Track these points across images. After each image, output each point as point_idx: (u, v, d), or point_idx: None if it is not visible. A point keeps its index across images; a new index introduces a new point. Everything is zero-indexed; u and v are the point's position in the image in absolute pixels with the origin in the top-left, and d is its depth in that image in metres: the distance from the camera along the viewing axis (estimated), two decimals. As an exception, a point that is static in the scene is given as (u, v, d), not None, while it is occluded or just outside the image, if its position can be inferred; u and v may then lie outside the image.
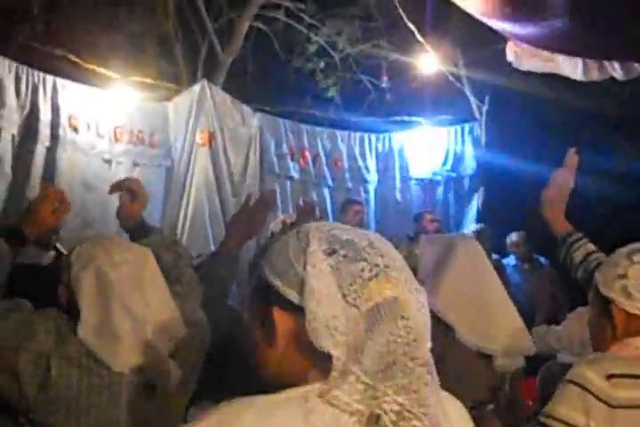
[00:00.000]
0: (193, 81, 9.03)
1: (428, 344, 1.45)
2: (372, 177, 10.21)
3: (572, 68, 5.00)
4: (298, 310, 1.39)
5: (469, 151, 10.09)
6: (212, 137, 8.32)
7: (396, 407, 1.37)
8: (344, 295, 1.38)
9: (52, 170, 7.05)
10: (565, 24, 3.90)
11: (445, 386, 1.50)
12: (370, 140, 10.30)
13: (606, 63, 4.95)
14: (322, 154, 9.69)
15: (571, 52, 4.87)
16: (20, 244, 2.81)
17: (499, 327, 2.83)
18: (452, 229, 9.41)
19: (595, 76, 5.06)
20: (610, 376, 2.27)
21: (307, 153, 9.51)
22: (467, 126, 10.16)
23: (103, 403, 2.45)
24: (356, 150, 10.10)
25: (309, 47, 10.68)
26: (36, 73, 7.05)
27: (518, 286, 7.65)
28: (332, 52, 10.70)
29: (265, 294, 1.46)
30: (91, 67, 8.27)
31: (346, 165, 9.92)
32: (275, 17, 10.28)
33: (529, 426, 2.60)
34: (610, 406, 2.24)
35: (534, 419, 2.43)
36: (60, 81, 7.24)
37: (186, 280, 2.86)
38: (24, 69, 6.95)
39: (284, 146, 9.30)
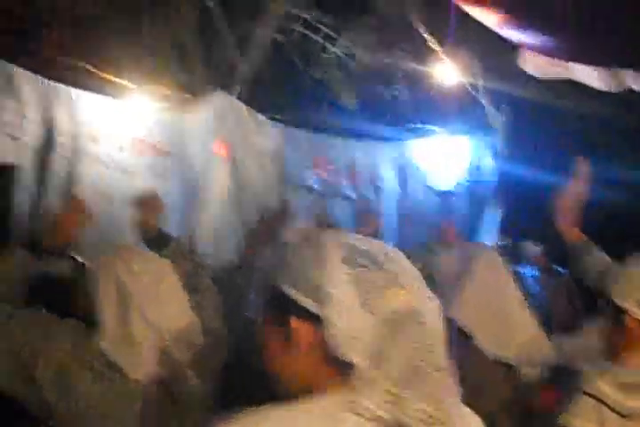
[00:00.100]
0: (211, 91, 9.04)
1: (446, 352, 1.46)
2: (390, 187, 10.18)
3: (587, 76, 4.98)
4: (316, 319, 1.40)
5: (488, 161, 10.06)
6: (229, 147, 8.31)
7: (420, 415, 1.38)
8: (363, 304, 1.39)
9: (71, 181, 7.07)
10: (577, 33, 3.90)
11: (463, 394, 1.50)
12: (387, 149, 10.28)
13: (623, 73, 4.92)
14: (339, 164, 9.68)
15: (584, 60, 4.85)
16: (39, 254, 2.83)
17: (518, 337, 2.83)
18: (470, 240, 9.39)
19: (612, 86, 5.03)
20: (623, 386, 2.26)
21: (325, 163, 9.50)
22: (484, 136, 10.14)
23: (121, 411, 2.45)
24: (374, 160, 10.08)
25: (326, 57, 10.70)
26: (55, 84, 7.07)
27: (537, 296, 7.62)
28: (348, 62, 10.71)
29: (281, 302, 1.47)
30: (108, 77, 8.29)
31: (363, 175, 9.91)
32: (292, 28, 10.29)
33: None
34: (622, 416, 2.23)
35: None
36: (79, 92, 7.25)
37: (203, 289, 2.87)
38: (43, 81, 6.97)
39: (303, 156, 9.30)
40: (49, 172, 6.95)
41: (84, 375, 2.40)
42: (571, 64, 4.95)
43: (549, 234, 3.34)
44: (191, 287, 2.77)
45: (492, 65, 9.32)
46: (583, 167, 3.20)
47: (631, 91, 5.14)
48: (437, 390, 1.39)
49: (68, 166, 7.09)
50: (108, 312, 2.43)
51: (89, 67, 8.15)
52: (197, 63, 9.85)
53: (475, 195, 10.20)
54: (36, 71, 6.96)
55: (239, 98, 9.01)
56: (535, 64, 5.10)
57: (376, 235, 6.93)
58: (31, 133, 6.83)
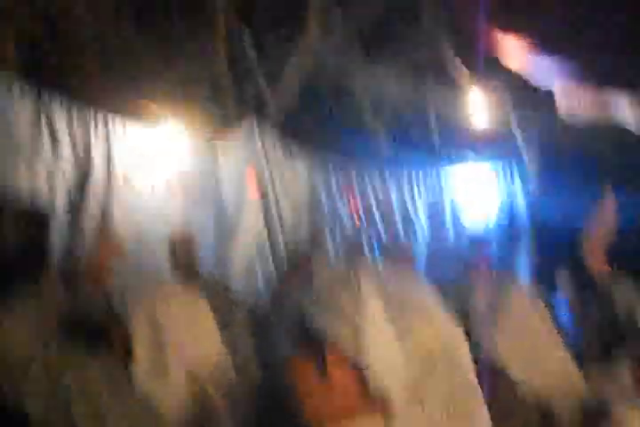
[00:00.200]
0: (242, 122, 9.08)
1: (478, 388, 1.45)
2: (422, 220, 10.18)
3: (625, 113, 4.95)
4: (354, 356, 1.39)
5: (520, 193, 10.05)
6: (261, 178, 8.33)
7: None
8: (401, 341, 1.38)
9: (106, 217, 7.10)
10: (609, 56, 3.90)
11: None
12: (418, 177, 10.28)
13: None
14: (371, 194, 9.69)
15: (618, 83, 4.82)
16: (76, 293, 2.86)
17: (555, 373, 2.81)
18: (503, 273, 9.34)
19: None
20: None
21: (356, 193, 9.52)
22: (517, 168, 10.13)
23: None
24: (406, 190, 10.08)
25: (356, 86, 10.73)
26: (88, 117, 7.12)
27: (569, 326, 7.56)
28: (380, 93, 10.74)
29: (316, 340, 1.46)
30: (141, 110, 8.36)
31: (395, 205, 9.91)
32: (324, 60, 10.35)
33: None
34: None
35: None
36: (112, 127, 7.32)
37: (236, 326, 2.88)
38: (76, 114, 7.02)
39: (334, 187, 9.31)
40: (83, 213, 7.00)
41: (118, 411, 2.41)
42: (610, 101, 4.91)
43: (581, 264, 3.33)
44: (224, 324, 2.78)
45: (524, 104, 9.32)
46: (609, 197, 3.18)
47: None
48: (472, 425, 1.39)
49: (101, 201, 7.13)
50: (142, 347, 2.44)
51: (124, 105, 8.22)
52: (228, 94, 9.92)
53: (507, 232, 10.17)
54: (69, 104, 7.02)
55: (270, 129, 9.05)
56: (570, 105, 5.08)
57: (408, 268, 6.92)
58: (66, 174, 6.87)
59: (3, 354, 2.67)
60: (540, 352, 2.83)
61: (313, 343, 1.46)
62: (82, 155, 7.00)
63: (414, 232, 10.07)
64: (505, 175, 10.21)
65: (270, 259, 8.19)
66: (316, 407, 1.48)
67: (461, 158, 10.68)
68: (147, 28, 9.12)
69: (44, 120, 6.68)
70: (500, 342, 2.80)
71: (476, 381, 1.46)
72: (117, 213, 7.19)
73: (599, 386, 3.67)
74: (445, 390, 1.39)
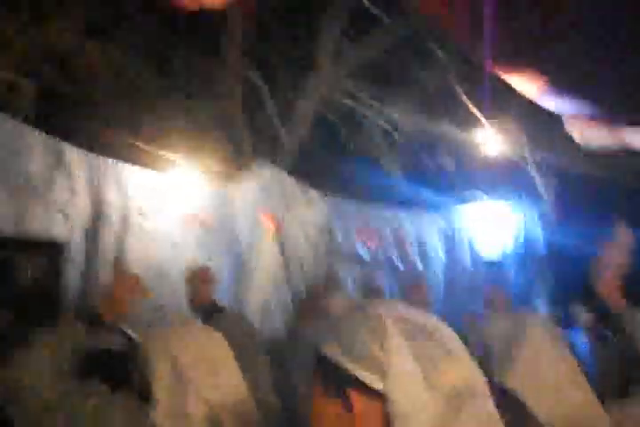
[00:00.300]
0: (255, 163, 9.12)
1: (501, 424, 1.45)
2: (440, 256, 10.17)
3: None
4: (378, 394, 1.38)
5: (538, 230, 10.03)
6: (278, 220, 8.36)
7: None
8: (426, 378, 1.37)
9: (122, 256, 7.14)
10: (624, 97, 3.89)
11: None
12: (435, 218, 10.29)
13: None
14: (389, 235, 9.68)
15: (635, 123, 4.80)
16: (94, 328, 2.87)
17: (579, 409, 2.77)
18: (520, 308, 9.28)
19: None
20: None
21: (372, 233, 9.52)
22: (532, 203, 10.12)
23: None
24: (421, 228, 10.08)
25: (372, 130, 10.80)
26: (103, 160, 7.19)
27: (588, 363, 7.50)
28: (393, 133, 10.80)
29: (337, 375, 1.44)
30: (156, 152, 8.42)
31: (412, 246, 9.90)
32: (337, 100, 10.42)
33: None
34: None
35: None
36: (127, 166, 7.37)
37: (256, 361, 2.87)
38: (93, 157, 7.09)
39: (352, 229, 9.31)
40: (99, 246, 7.04)
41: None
42: (625, 131, 4.89)
43: (597, 300, 3.31)
44: (241, 356, 2.77)
45: (538, 134, 9.33)
46: (621, 231, 3.17)
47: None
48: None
49: (117, 241, 7.17)
50: (161, 386, 2.43)
51: (138, 142, 8.28)
52: (242, 135, 9.98)
53: (524, 263, 10.14)
54: (84, 147, 7.09)
55: (284, 169, 9.09)
56: (585, 134, 5.06)
57: (425, 305, 6.91)
58: (81, 209, 6.92)
59: (21, 396, 2.67)
60: (560, 389, 2.81)
61: (335, 379, 1.45)
62: (96, 191, 7.05)
63: (431, 270, 10.04)
64: (521, 212, 10.20)
65: (288, 299, 8.19)
66: None
67: (476, 197, 10.68)
68: (161, 72, 9.22)
69: (60, 163, 6.76)
70: (519, 378, 2.78)
71: (498, 416, 1.46)
72: (133, 247, 7.24)
73: (617, 423, 3.63)
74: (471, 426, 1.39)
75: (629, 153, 5.43)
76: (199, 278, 5.49)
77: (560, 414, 2.73)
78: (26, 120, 6.50)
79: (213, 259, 7.72)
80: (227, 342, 2.66)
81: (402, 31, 9.52)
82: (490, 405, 1.44)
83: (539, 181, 10.05)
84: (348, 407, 1.41)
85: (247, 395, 2.58)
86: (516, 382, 2.72)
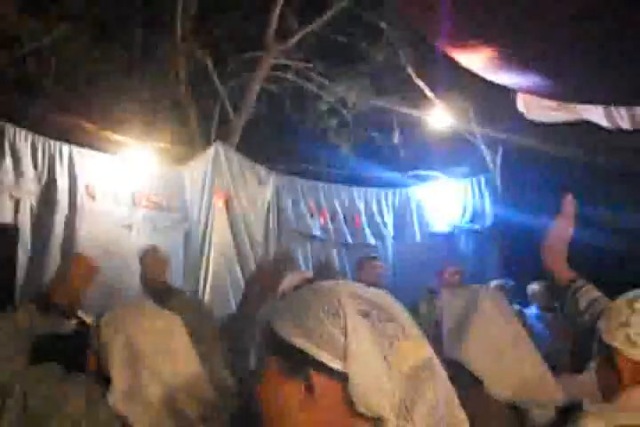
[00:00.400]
0: (207, 144, 9.08)
1: (457, 398, 1.46)
2: (391, 232, 10.21)
3: (595, 115, 4.95)
4: (338, 374, 1.37)
5: (487, 203, 10.10)
6: (228, 199, 8.34)
7: None
8: (385, 357, 1.37)
9: (71, 238, 7.08)
10: (574, 73, 3.91)
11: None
12: (386, 195, 10.31)
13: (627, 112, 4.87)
14: (340, 211, 9.71)
15: (582, 100, 4.83)
16: (46, 312, 2.85)
17: (528, 379, 2.80)
18: (472, 282, 9.31)
19: (623, 123, 4.97)
20: None
21: (325, 211, 9.54)
22: (482, 178, 10.18)
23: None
24: (374, 206, 10.11)
25: (320, 106, 10.80)
26: (51, 142, 7.10)
27: (541, 336, 7.58)
28: (342, 110, 10.82)
29: (295, 357, 1.43)
30: (105, 134, 8.36)
31: (364, 222, 9.94)
32: (285, 77, 10.41)
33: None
34: None
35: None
36: (76, 149, 7.29)
37: (209, 340, 2.86)
38: (40, 139, 7.01)
39: (302, 205, 9.32)
40: (49, 229, 6.98)
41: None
42: (575, 106, 4.91)
43: (546, 273, 3.33)
44: (197, 339, 2.75)
45: (487, 109, 9.37)
46: (568, 206, 3.19)
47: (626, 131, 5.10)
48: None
49: (67, 223, 7.12)
50: (118, 369, 2.42)
51: (87, 125, 8.22)
52: (193, 117, 9.94)
53: (475, 237, 10.22)
54: (32, 130, 7.02)
55: (236, 149, 9.06)
56: (536, 108, 5.08)
57: (379, 281, 6.94)
58: (30, 192, 6.86)
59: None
60: (514, 362, 2.83)
61: (292, 359, 1.43)
62: (45, 173, 6.99)
63: (384, 246, 10.10)
64: (473, 186, 10.26)
65: (239, 274, 8.21)
66: (301, 423, 1.46)
67: (427, 172, 10.73)
68: (107, 55, 9.14)
69: (6, 146, 6.70)
70: (473, 352, 2.80)
71: (454, 390, 1.47)
72: (83, 231, 7.19)
73: (574, 394, 3.68)
74: (433, 404, 1.39)
75: (579, 127, 5.50)
76: (151, 259, 5.47)
77: (511, 384, 2.77)
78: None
79: (164, 239, 7.68)
80: (181, 323, 2.65)
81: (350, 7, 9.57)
82: (447, 381, 1.45)
83: (487, 155, 10.11)
84: (309, 388, 1.40)
85: (203, 378, 2.58)
86: (468, 355, 2.75)
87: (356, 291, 1.48)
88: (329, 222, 9.55)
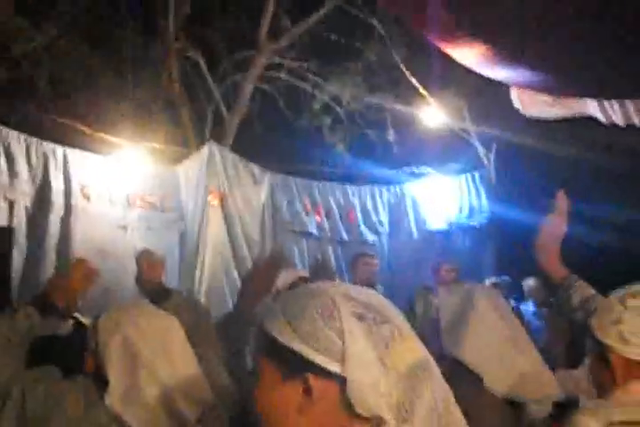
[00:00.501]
0: (201, 144, 9.07)
1: (454, 396, 1.46)
2: (386, 229, 10.21)
3: (590, 109, 4.94)
4: (335, 376, 1.37)
5: (482, 199, 10.09)
6: (223, 198, 8.33)
7: None
8: (381, 359, 1.37)
9: (66, 239, 7.08)
10: (567, 66, 3.90)
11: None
12: (381, 192, 10.31)
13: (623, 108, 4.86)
14: (335, 209, 9.70)
15: (576, 95, 4.82)
16: (43, 314, 2.85)
17: (526, 374, 2.80)
18: (468, 279, 9.32)
19: (617, 118, 4.96)
20: (611, 424, 2.20)
21: (320, 208, 9.53)
22: (477, 174, 10.18)
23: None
24: (368, 203, 10.11)
25: (314, 104, 10.80)
26: (45, 144, 7.10)
27: (537, 332, 7.59)
28: (336, 108, 10.82)
29: (290, 359, 1.41)
30: (99, 135, 8.36)
31: (359, 219, 9.93)
32: (278, 77, 10.41)
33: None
34: None
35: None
36: (70, 150, 7.29)
37: (206, 341, 2.86)
38: (34, 141, 7.00)
39: (298, 203, 9.32)
40: (44, 230, 6.98)
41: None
42: (570, 100, 4.91)
43: (541, 269, 3.32)
44: (195, 339, 2.75)
45: (481, 105, 9.37)
46: (561, 202, 3.18)
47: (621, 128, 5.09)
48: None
49: (62, 224, 7.11)
50: (115, 370, 2.42)
51: (81, 126, 8.21)
52: (187, 117, 9.94)
53: (470, 234, 10.21)
54: (26, 131, 7.01)
55: (230, 148, 9.05)
56: (531, 103, 5.07)
57: (373, 277, 6.94)
58: (24, 193, 6.85)
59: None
60: (512, 358, 2.83)
61: (289, 362, 1.42)
62: (40, 175, 6.99)
63: (380, 243, 10.10)
64: (467, 182, 10.26)
65: (236, 273, 8.20)
66: (300, 426, 1.46)
67: (422, 169, 10.74)
68: (102, 57, 9.14)
69: (1, 148, 6.69)
70: (470, 349, 2.80)
71: (450, 389, 1.47)
72: (78, 232, 7.18)
73: (572, 390, 3.67)
74: (431, 404, 1.39)
75: (574, 124, 5.50)
76: (146, 260, 5.48)
77: (509, 380, 2.77)
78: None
79: (160, 239, 7.68)
80: (178, 324, 2.64)
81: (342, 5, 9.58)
82: (442, 380, 1.45)
83: (482, 152, 10.11)
84: (307, 391, 1.39)
85: (201, 378, 2.58)
86: (465, 351, 2.76)
87: (350, 293, 1.48)
88: (324, 220, 9.55)
